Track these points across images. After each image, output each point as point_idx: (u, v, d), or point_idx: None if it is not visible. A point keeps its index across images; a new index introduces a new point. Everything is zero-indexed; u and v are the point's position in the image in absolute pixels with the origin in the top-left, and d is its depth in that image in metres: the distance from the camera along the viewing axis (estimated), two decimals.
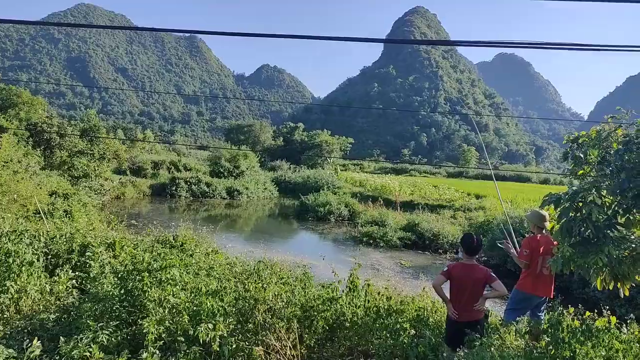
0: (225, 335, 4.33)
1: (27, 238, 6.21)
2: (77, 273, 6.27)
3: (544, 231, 5.64)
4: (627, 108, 4.87)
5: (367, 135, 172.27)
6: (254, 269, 5.87)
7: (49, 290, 5.77)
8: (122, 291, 4.78)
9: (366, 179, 37.94)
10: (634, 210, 4.49)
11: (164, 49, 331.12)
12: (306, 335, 5.15)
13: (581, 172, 5.06)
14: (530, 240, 5.58)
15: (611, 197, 4.62)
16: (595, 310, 4.86)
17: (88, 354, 3.70)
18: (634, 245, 4.59)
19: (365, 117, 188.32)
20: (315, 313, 5.34)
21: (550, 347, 4.03)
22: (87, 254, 6.45)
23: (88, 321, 4.19)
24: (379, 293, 6.06)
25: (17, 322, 4.95)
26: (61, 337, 3.87)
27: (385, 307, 5.73)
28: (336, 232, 18.74)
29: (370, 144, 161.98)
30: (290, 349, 4.62)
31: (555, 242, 5.31)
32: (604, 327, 4.36)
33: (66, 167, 21.79)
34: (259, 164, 41.58)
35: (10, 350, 3.54)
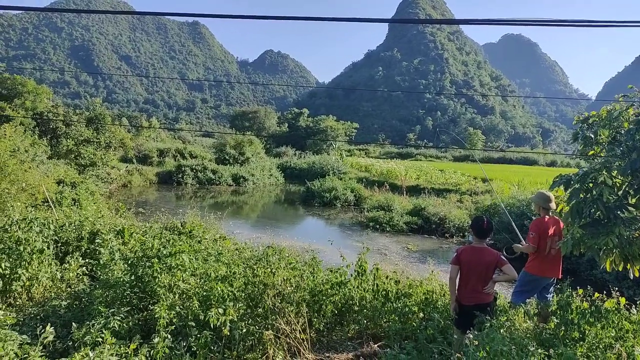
0: (236, 319, 4.37)
1: (37, 226, 6.25)
2: (87, 260, 6.34)
3: (550, 212, 5.60)
4: (638, 86, 4.79)
5: (372, 119, 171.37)
6: (262, 254, 5.89)
7: (59, 277, 5.84)
8: (132, 277, 4.82)
9: (372, 164, 37.83)
10: None
11: (167, 36, 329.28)
12: (315, 320, 5.19)
13: (591, 152, 5.01)
14: (538, 223, 5.54)
15: (622, 178, 4.58)
16: (604, 292, 4.84)
17: (100, 339, 3.74)
18: None
19: (370, 101, 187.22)
20: (324, 297, 5.37)
21: (560, 329, 4.04)
22: (96, 241, 6.51)
23: (99, 307, 4.24)
24: (387, 277, 6.08)
25: (30, 309, 5.02)
26: (73, 323, 3.92)
27: (394, 290, 5.75)
28: (342, 218, 18.77)
29: (375, 128, 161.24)
30: (299, 332, 4.65)
31: (562, 224, 5.29)
32: (613, 308, 4.34)
33: (73, 156, 21.84)
34: (264, 151, 41.53)
35: (24, 337, 3.59)
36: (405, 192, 21.99)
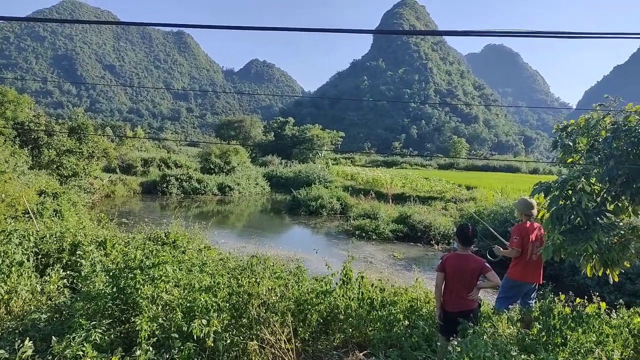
0: (220, 330, 4.33)
1: (16, 238, 6.14)
2: (68, 272, 6.22)
3: (532, 219, 5.69)
4: (614, 95, 4.91)
5: (358, 128, 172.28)
6: (247, 264, 5.85)
7: (39, 290, 5.72)
8: (114, 289, 4.74)
9: (358, 172, 37.94)
10: (623, 197, 4.54)
11: (151, 45, 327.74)
12: (300, 329, 5.16)
13: (570, 160, 5.11)
14: (521, 228, 5.63)
15: (600, 185, 4.68)
16: (586, 297, 4.91)
17: (81, 353, 3.67)
18: (622, 232, 4.65)
19: (356, 110, 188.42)
20: (309, 306, 5.35)
21: (542, 334, 4.08)
22: (77, 252, 6.40)
23: (80, 320, 4.16)
24: (372, 285, 6.09)
25: (8, 323, 4.90)
26: (53, 337, 3.84)
27: (379, 298, 5.76)
28: (328, 226, 18.76)
29: (361, 137, 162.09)
30: (284, 342, 4.62)
31: (543, 230, 5.37)
32: (594, 313, 4.41)
33: (55, 166, 21.52)
34: (250, 160, 41.39)
35: (1, 352, 3.51)
36: (391, 200, 22.09)
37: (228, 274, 5.65)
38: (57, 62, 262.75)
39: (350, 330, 5.41)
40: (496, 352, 3.02)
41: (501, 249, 5.77)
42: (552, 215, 4.55)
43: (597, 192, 4.70)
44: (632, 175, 4.35)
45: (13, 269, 5.55)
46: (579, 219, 4.46)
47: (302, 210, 21.74)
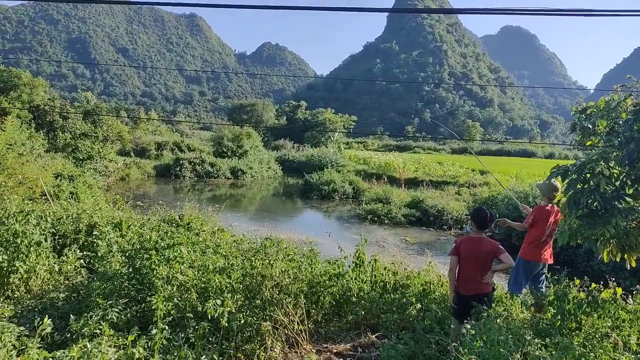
0: (234, 311, 4.37)
1: (34, 219, 6.23)
2: (85, 253, 6.32)
3: (555, 201, 5.67)
4: (637, 77, 4.78)
5: (370, 112, 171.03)
6: (260, 246, 5.89)
7: (57, 269, 5.83)
8: (130, 270, 4.82)
9: (370, 156, 37.84)
10: None
11: (164, 28, 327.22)
12: (313, 311, 5.20)
13: (589, 143, 5.01)
14: (539, 210, 5.65)
15: (619, 168, 4.57)
16: (601, 283, 4.85)
17: (98, 331, 3.74)
18: None
19: (369, 94, 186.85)
20: (322, 289, 5.39)
21: (557, 319, 4.05)
22: (94, 233, 6.49)
23: (97, 299, 4.25)
24: (385, 268, 6.09)
25: (28, 302, 5.02)
26: (71, 315, 3.92)
27: (392, 282, 5.77)
28: (340, 210, 18.78)
29: (374, 121, 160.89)
30: (297, 324, 4.67)
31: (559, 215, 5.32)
32: (610, 299, 4.36)
33: (70, 149, 21.78)
34: (263, 143, 41.43)
35: (22, 328, 3.59)
36: (403, 184, 22.01)
37: (242, 255, 5.69)
38: (71, 45, 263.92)
39: (363, 312, 5.44)
40: (510, 336, 3.00)
41: (507, 220, 5.79)
42: (570, 199, 4.47)
43: (616, 175, 4.61)
44: None
45: (32, 249, 5.65)
46: (596, 203, 4.37)
47: (314, 194, 21.78)
